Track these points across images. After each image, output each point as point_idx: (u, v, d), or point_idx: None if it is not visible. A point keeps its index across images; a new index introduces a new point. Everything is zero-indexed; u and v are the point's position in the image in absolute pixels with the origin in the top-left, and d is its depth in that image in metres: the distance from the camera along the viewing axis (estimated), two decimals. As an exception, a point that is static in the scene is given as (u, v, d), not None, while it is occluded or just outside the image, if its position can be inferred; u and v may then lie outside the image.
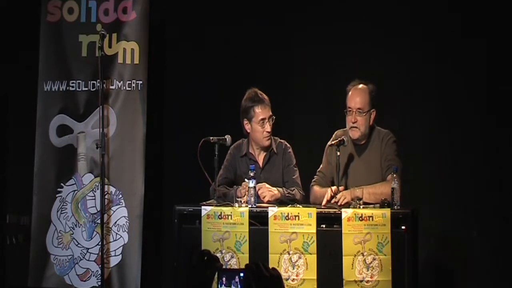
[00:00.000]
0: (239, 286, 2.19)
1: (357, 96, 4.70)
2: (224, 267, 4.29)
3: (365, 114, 4.67)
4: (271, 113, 4.86)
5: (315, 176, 4.86)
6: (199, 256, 2.20)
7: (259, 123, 4.84)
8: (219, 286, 2.19)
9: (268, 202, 4.66)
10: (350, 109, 4.69)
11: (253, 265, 2.15)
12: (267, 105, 4.84)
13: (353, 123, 4.68)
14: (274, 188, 4.74)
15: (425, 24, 5.65)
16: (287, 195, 4.76)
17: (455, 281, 5.60)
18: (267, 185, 4.74)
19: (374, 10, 5.73)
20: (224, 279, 2.19)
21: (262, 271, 2.11)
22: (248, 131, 4.91)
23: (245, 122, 4.89)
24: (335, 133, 4.85)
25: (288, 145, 4.98)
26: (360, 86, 4.73)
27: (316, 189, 4.80)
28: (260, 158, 4.96)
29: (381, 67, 5.66)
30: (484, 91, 5.55)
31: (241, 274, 2.19)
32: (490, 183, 5.53)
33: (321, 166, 4.87)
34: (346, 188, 4.63)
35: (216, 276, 2.20)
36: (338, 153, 4.57)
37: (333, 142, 4.66)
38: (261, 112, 4.82)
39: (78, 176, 5.58)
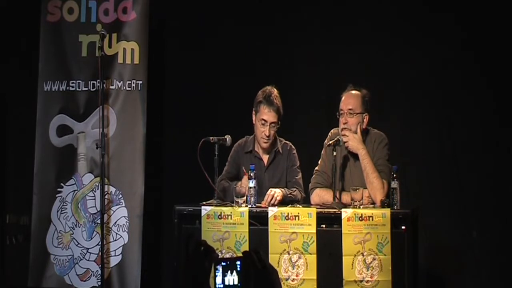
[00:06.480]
0: (237, 275, 2.16)
1: (348, 99, 4.69)
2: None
3: (356, 115, 4.65)
4: (276, 120, 4.80)
5: (314, 177, 4.81)
6: (195, 246, 2.17)
7: (260, 121, 4.82)
8: (216, 276, 2.16)
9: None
10: (342, 111, 4.68)
11: (251, 252, 2.12)
12: (273, 110, 4.77)
13: (344, 124, 4.66)
14: (280, 192, 4.70)
15: (425, 24, 5.65)
16: (289, 195, 4.75)
17: (455, 281, 5.60)
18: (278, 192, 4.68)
19: (375, 10, 5.73)
20: (221, 268, 2.16)
21: (260, 260, 2.09)
22: (253, 122, 4.90)
23: (253, 113, 4.88)
24: (331, 131, 4.84)
25: (293, 146, 4.98)
26: (353, 92, 4.72)
27: (318, 192, 4.74)
28: (265, 157, 4.95)
29: (381, 67, 5.66)
30: (484, 91, 5.55)
31: (238, 263, 2.16)
32: (490, 183, 5.53)
33: (319, 165, 4.84)
34: (343, 189, 4.64)
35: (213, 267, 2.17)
36: (335, 153, 4.56)
37: (330, 142, 4.65)
38: (265, 113, 4.79)
39: (78, 176, 5.58)
